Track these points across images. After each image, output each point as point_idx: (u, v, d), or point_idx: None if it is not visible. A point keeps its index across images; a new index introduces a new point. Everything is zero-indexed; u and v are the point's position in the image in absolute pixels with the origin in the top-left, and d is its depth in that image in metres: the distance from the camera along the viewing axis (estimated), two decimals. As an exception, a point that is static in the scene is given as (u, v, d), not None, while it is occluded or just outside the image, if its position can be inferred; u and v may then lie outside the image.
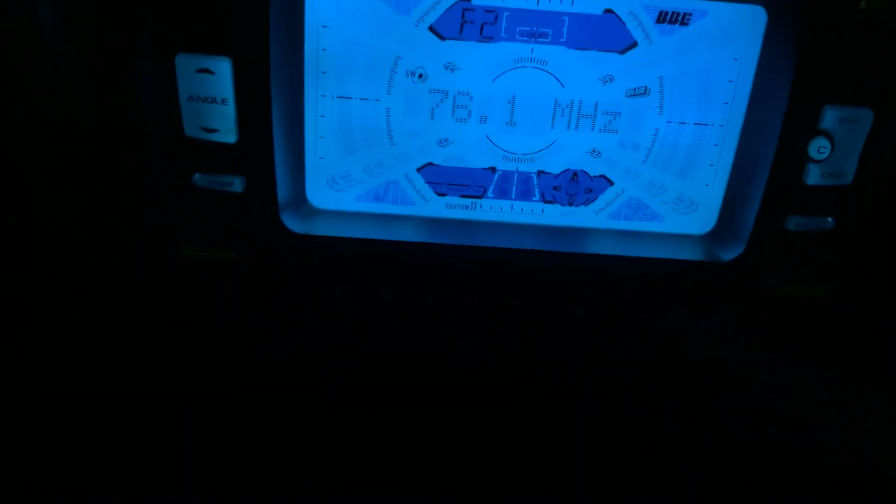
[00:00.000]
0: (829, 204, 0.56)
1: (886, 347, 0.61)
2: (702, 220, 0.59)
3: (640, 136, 0.56)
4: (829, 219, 0.56)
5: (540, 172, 0.57)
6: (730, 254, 0.58)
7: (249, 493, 0.54)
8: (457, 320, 0.62)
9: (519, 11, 0.52)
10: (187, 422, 0.57)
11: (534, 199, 0.58)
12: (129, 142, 0.55)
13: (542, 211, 0.59)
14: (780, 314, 0.60)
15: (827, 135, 0.53)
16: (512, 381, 0.61)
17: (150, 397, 0.58)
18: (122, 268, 0.60)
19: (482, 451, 0.57)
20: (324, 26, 0.53)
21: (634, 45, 0.54)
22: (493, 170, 0.57)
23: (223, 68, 0.51)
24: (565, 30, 0.53)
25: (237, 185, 0.54)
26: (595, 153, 0.57)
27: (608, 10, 0.53)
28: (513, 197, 0.58)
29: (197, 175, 0.54)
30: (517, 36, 0.53)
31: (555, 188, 0.58)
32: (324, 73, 0.54)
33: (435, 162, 0.57)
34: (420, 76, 0.54)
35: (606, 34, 0.53)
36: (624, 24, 0.53)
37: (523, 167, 0.57)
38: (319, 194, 0.58)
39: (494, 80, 0.54)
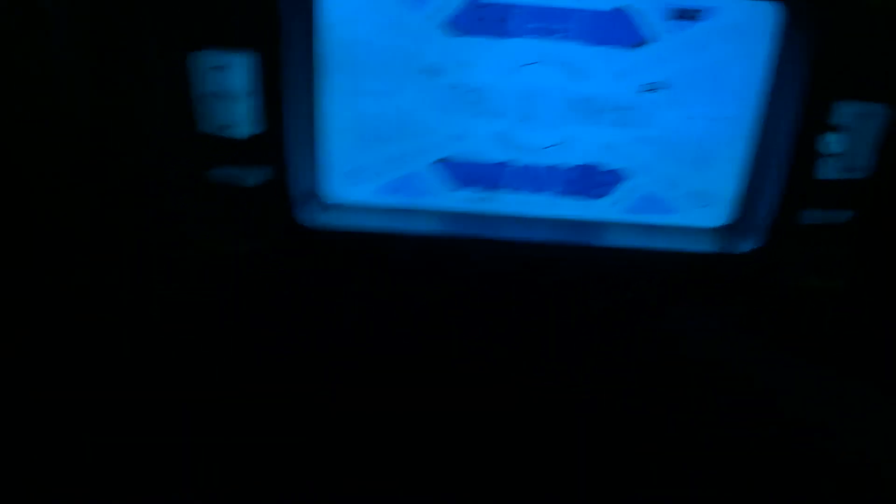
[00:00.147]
0: (844, 198, 0.56)
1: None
2: (717, 213, 0.59)
3: (653, 129, 0.56)
4: (844, 212, 0.56)
5: (554, 166, 0.58)
6: (745, 247, 0.58)
7: (249, 493, 0.55)
8: (457, 320, 0.62)
9: (532, 8, 0.53)
10: (187, 422, 0.57)
11: (548, 192, 0.59)
12: (132, 140, 0.56)
13: (557, 204, 0.59)
14: (794, 308, 0.60)
15: (841, 129, 0.53)
16: (512, 381, 0.61)
17: (150, 397, 0.58)
18: (122, 268, 0.60)
19: (482, 451, 0.57)
20: (338, 22, 0.53)
21: (646, 41, 0.54)
22: (508, 164, 0.58)
23: (238, 63, 0.52)
24: (576, 26, 0.53)
25: (252, 179, 0.55)
26: (609, 147, 0.57)
27: (618, 7, 0.53)
28: (528, 190, 0.59)
29: (212, 170, 0.55)
30: (530, 32, 0.54)
31: (569, 182, 0.59)
32: (339, 68, 0.55)
33: (450, 156, 0.58)
34: (435, 72, 0.55)
35: (617, 30, 0.53)
36: (634, 20, 0.53)
37: (538, 161, 0.58)
38: (335, 188, 0.59)
39: (508, 75, 0.55)
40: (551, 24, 0.53)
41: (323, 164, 0.57)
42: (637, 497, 0.57)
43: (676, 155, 0.57)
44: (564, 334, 0.62)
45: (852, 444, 0.59)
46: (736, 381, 0.62)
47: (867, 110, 0.52)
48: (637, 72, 0.55)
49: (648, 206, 0.59)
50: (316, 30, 0.53)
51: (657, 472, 0.58)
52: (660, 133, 0.56)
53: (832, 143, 0.54)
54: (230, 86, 0.52)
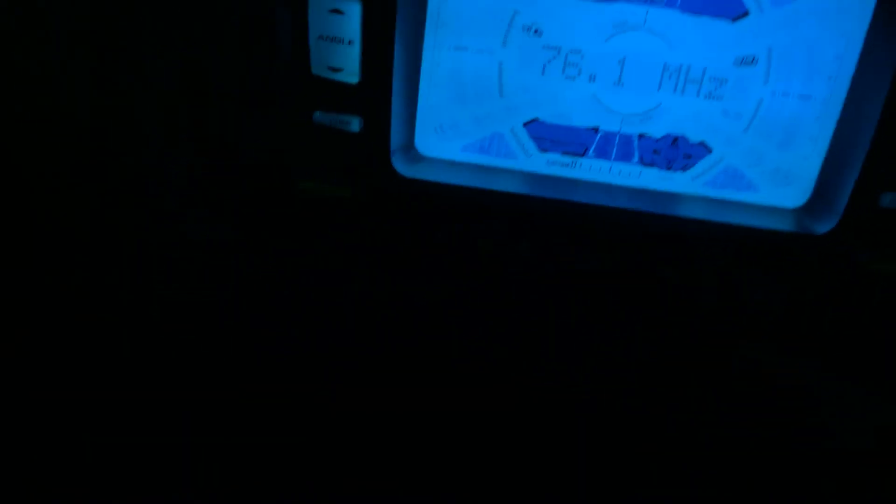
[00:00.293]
0: None
1: None
2: (797, 192, 0.60)
3: (743, 104, 0.57)
4: None
5: (642, 135, 0.59)
6: (822, 227, 0.59)
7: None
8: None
9: (638, -27, 0.54)
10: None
11: (633, 161, 0.60)
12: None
13: (640, 174, 0.61)
14: (865, 290, 0.61)
15: None
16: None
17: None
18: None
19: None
20: None
21: (746, 13, 0.55)
22: (597, 129, 0.59)
23: (353, 10, 0.53)
24: None
25: (354, 125, 0.57)
26: (697, 119, 0.58)
27: (724, -23, 0.54)
28: (612, 158, 0.60)
29: (318, 113, 0.57)
30: (634, -2, 0.55)
31: (655, 152, 0.60)
32: (444, 23, 0.56)
33: (541, 118, 0.59)
34: (535, 31, 0.56)
35: (721, 1, 0.55)
36: (741, -9, 0.54)
37: (626, 129, 0.59)
38: (428, 141, 0.60)
39: (607, 39, 0.56)
40: (656, -10, 0.55)
41: (419, 117, 0.59)
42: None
43: (764, 131, 0.58)
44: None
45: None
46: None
47: (956, 95, 0.53)
48: (734, 45, 0.56)
49: (730, 182, 0.60)
50: None
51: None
52: (750, 108, 0.57)
53: (917, 128, 0.54)
54: (345, 31, 0.53)
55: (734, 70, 0.56)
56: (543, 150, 0.60)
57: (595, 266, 0.62)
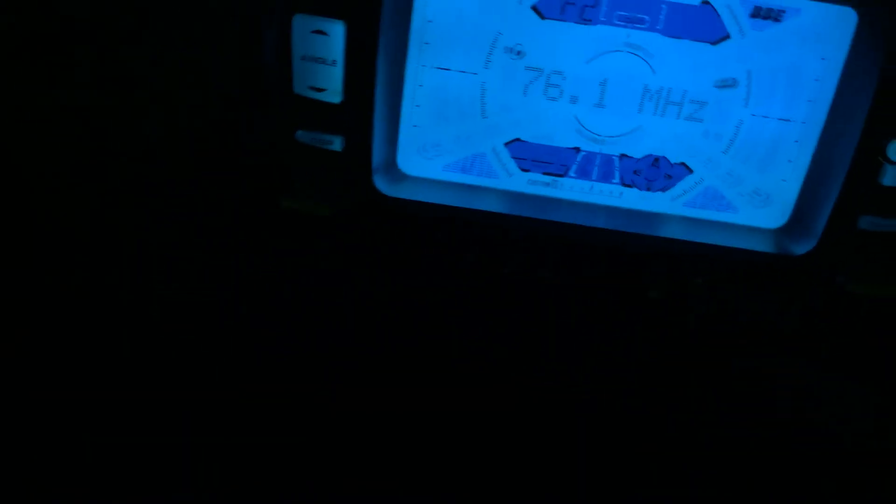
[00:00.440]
0: None
1: None
2: (776, 214, 0.61)
3: (723, 126, 0.58)
4: None
5: (622, 156, 0.60)
6: (801, 249, 0.60)
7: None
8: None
9: (621, -3, 0.55)
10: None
11: (614, 181, 0.60)
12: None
13: (621, 194, 0.61)
14: (845, 311, 0.62)
15: None
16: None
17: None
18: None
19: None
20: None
21: (727, 37, 0.55)
22: (578, 150, 0.60)
23: (336, 31, 0.53)
24: (662, 17, 0.55)
25: (337, 144, 0.57)
26: (678, 140, 0.59)
27: (706, 2, 0.55)
28: (594, 178, 0.61)
29: (300, 131, 0.57)
30: (615, 20, 0.55)
31: (635, 172, 0.60)
32: (427, 43, 0.56)
33: (523, 138, 0.59)
34: (518, 53, 0.56)
35: (701, 24, 0.55)
36: (720, 15, 0.55)
37: (607, 149, 0.59)
38: (410, 160, 0.60)
39: (589, 62, 0.56)
40: (637, 14, 0.55)
41: (401, 137, 0.59)
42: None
43: (744, 153, 0.58)
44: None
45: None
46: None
47: (934, 121, 0.54)
48: (715, 68, 0.56)
49: (710, 202, 0.61)
50: (412, 6, 0.55)
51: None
52: (730, 130, 0.58)
53: (895, 151, 0.55)
54: (328, 52, 0.54)
55: (714, 92, 0.57)
56: (525, 169, 0.61)
57: (576, 283, 0.62)
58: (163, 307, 0.62)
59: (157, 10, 0.54)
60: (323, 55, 0.54)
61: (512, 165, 0.61)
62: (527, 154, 0.60)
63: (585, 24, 0.56)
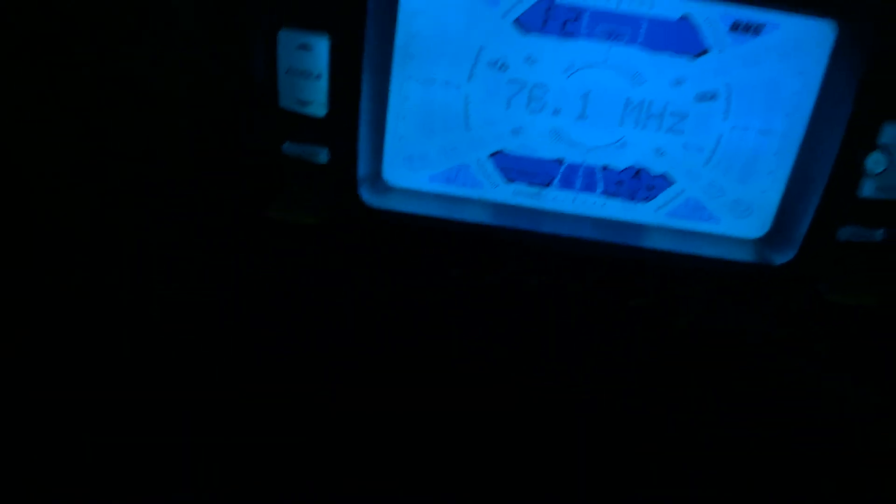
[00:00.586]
0: (882, 217, 0.58)
1: None
2: (756, 224, 0.62)
3: (704, 139, 0.59)
4: (881, 231, 0.58)
5: (605, 167, 0.60)
6: (781, 258, 0.60)
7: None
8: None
9: (600, 11, 0.55)
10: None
11: (597, 192, 0.61)
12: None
13: (604, 204, 0.62)
14: (826, 320, 0.62)
15: (885, 150, 0.55)
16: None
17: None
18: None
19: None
20: (416, 13, 0.56)
21: (707, 51, 0.56)
22: (561, 161, 0.60)
23: (321, 46, 0.54)
24: (642, 32, 0.56)
25: (322, 156, 0.58)
26: (659, 152, 0.59)
27: (685, 16, 0.55)
28: (577, 188, 0.61)
29: (287, 144, 0.57)
30: (596, 34, 0.56)
31: (618, 183, 0.61)
32: (412, 56, 0.57)
33: (506, 150, 0.60)
34: (501, 66, 0.57)
35: (681, 38, 0.56)
36: (699, 30, 0.56)
37: (589, 161, 0.60)
38: (395, 172, 0.61)
39: (570, 75, 0.57)
40: (618, 28, 0.56)
41: (387, 148, 0.60)
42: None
43: (724, 165, 0.59)
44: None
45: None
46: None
47: (912, 133, 0.55)
48: (695, 80, 0.57)
49: (691, 213, 0.61)
50: (396, 20, 0.56)
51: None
52: (710, 142, 0.58)
53: (873, 162, 0.56)
54: (313, 66, 0.54)
55: (695, 105, 0.58)
56: (509, 180, 0.61)
57: (563, 291, 0.63)
58: (163, 307, 0.62)
59: (153, 14, 0.54)
60: (308, 69, 0.55)
61: (496, 176, 0.61)
62: (511, 165, 0.61)
63: (567, 38, 0.56)
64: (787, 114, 0.58)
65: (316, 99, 0.55)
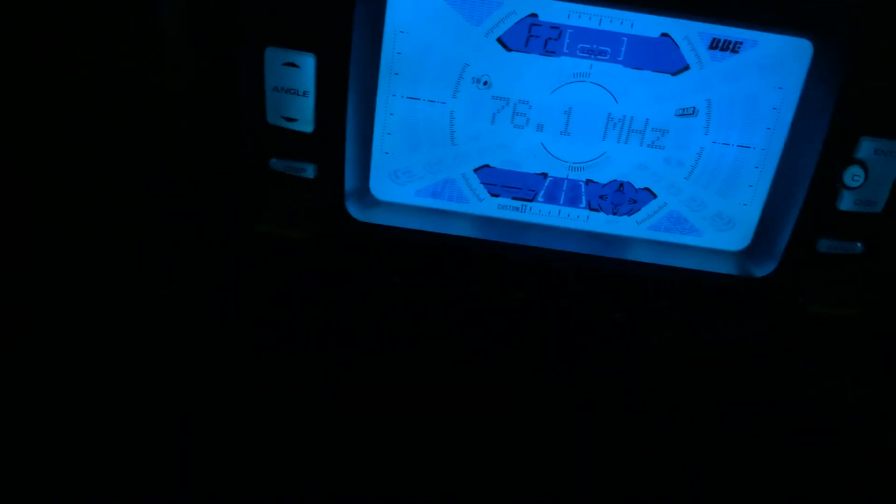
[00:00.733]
0: (860, 229, 0.59)
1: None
2: (738, 237, 0.63)
3: (685, 153, 0.60)
4: (859, 244, 0.59)
5: (588, 181, 0.61)
6: (762, 271, 0.61)
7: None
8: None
9: (582, 30, 0.56)
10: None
11: (581, 205, 0.62)
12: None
13: (588, 218, 0.63)
14: (809, 329, 0.63)
15: (862, 164, 0.56)
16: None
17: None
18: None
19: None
20: (401, 31, 0.57)
21: (687, 68, 0.57)
22: (545, 175, 0.61)
23: (308, 63, 0.55)
24: (623, 49, 0.57)
25: (309, 171, 0.59)
26: (641, 167, 0.60)
27: (665, 34, 0.56)
28: (561, 202, 0.62)
29: (274, 160, 0.58)
30: (578, 52, 0.57)
31: (601, 197, 0.62)
32: (397, 74, 0.58)
33: (491, 164, 0.61)
34: (485, 83, 0.58)
35: (661, 56, 0.57)
36: (678, 47, 0.57)
37: (573, 175, 0.61)
38: (382, 186, 0.62)
39: (553, 91, 0.58)
40: (599, 46, 0.57)
41: (373, 163, 0.61)
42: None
43: (705, 179, 0.60)
44: (567, 335, 0.64)
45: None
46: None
47: (888, 148, 0.56)
48: (675, 97, 0.58)
49: (674, 226, 0.62)
50: (382, 39, 0.57)
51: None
52: (692, 156, 0.60)
53: (851, 176, 0.57)
54: (300, 83, 0.55)
55: (676, 121, 0.59)
56: (494, 194, 0.62)
57: (536, 304, 0.64)
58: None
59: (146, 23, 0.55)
60: (294, 87, 0.56)
61: (482, 191, 0.62)
62: (496, 180, 0.62)
63: (549, 55, 0.57)
64: (767, 129, 0.59)
65: (303, 116, 0.56)
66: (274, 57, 0.55)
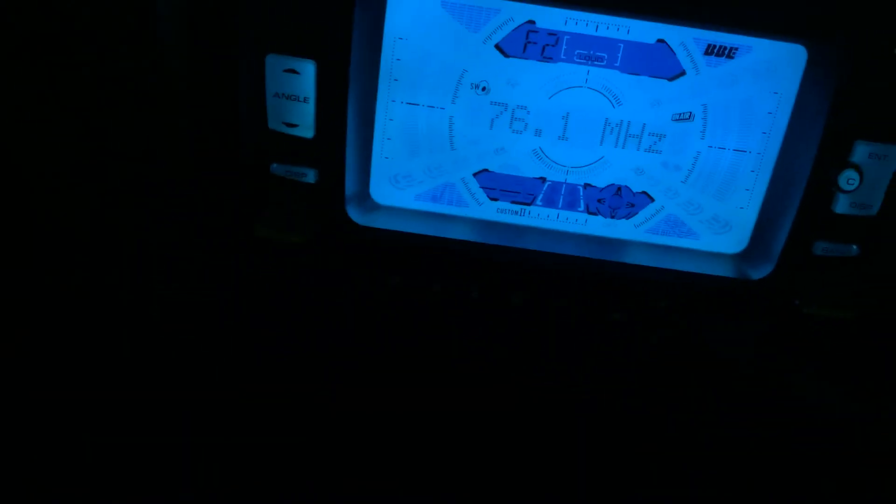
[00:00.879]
0: (855, 232, 0.59)
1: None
2: (734, 240, 0.63)
3: (682, 157, 0.60)
4: (854, 246, 0.60)
5: (586, 185, 0.62)
6: (759, 273, 0.62)
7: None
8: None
9: (579, 36, 0.57)
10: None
11: (579, 209, 0.63)
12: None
13: (586, 221, 0.63)
14: (805, 331, 0.64)
15: (857, 168, 0.57)
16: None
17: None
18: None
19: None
20: (400, 38, 0.58)
21: (683, 73, 0.58)
22: (544, 180, 0.62)
23: (308, 70, 0.56)
24: (620, 55, 0.57)
25: (310, 176, 0.59)
26: (639, 171, 0.61)
27: (661, 40, 0.57)
28: (559, 206, 0.63)
29: (275, 165, 0.59)
30: (575, 58, 0.58)
31: (599, 201, 0.62)
32: (396, 80, 0.59)
33: (490, 169, 0.62)
34: (483, 89, 0.59)
35: (658, 62, 0.58)
36: (675, 53, 0.57)
37: (571, 179, 0.62)
38: (382, 191, 0.63)
39: (551, 97, 0.59)
40: (596, 52, 0.57)
41: (373, 168, 0.61)
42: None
43: (702, 183, 0.61)
44: (566, 337, 0.65)
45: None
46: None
47: (882, 151, 0.56)
48: (672, 102, 0.59)
49: (671, 229, 0.63)
50: (381, 45, 0.57)
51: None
52: (688, 161, 0.60)
53: (846, 180, 0.57)
54: (300, 89, 0.56)
55: (672, 126, 0.59)
56: (493, 198, 0.63)
57: (535, 305, 0.64)
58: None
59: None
60: (295, 93, 0.57)
61: (481, 195, 0.63)
62: (495, 184, 0.63)
63: (547, 61, 0.58)
64: (763, 133, 0.59)
65: (303, 121, 0.57)
66: (275, 64, 0.56)
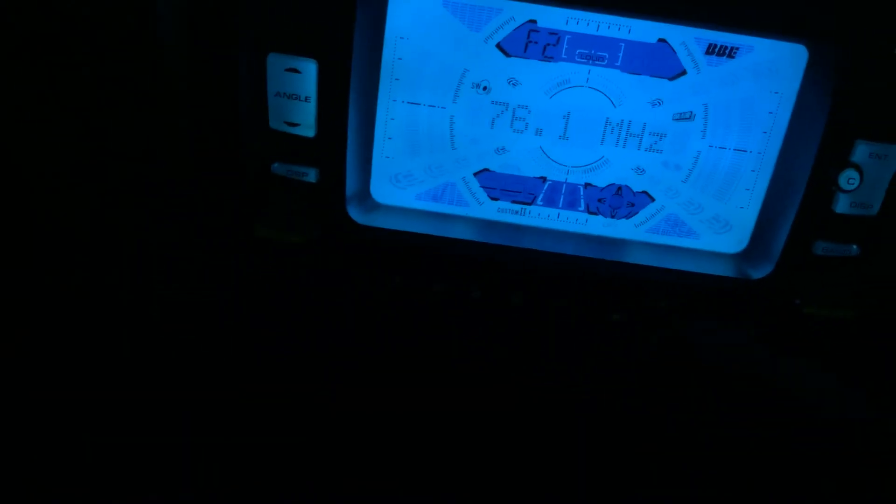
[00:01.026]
0: (855, 232, 0.60)
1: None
2: (735, 239, 0.63)
3: (682, 157, 0.60)
4: (855, 246, 0.60)
5: (587, 185, 0.62)
6: (759, 273, 0.62)
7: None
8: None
9: (579, 35, 0.57)
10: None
11: (579, 209, 0.63)
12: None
13: (586, 221, 0.63)
14: (805, 331, 0.64)
15: (857, 167, 0.57)
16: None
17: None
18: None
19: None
20: (401, 38, 0.58)
21: (684, 72, 0.58)
22: (544, 179, 0.62)
23: (309, 69, 0.56)
24: (621, 55, 0.58)
25: (311, 175, 0.59)
26: (639, 170, 0.61)
27: (661, 40, 0.57)
28: (560, 206, 0.63)
29: (276, 164, 0.59)
30: (576, 58, 0.58)
31: (599, 200, 0.63)
32: (397, 79, 0.59)
33: (491, 168, 0.62)
34: (484, 88, 0.59)
35: (658, 61, 0.58)
36: (675, 53, 0.57)
37: (572, 179, 0.62)
38: (383, 190, 0.63)
39: (552, 96, 0.59)
40: (597, 51, 0.58)
41: (374, 168, 0.61)
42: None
43: (702, 182, 0.61)
44: (566, 337, 0.65)
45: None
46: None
47: (882, 151, 0.57)
48: (672, 101, 0.59)
49: (671, 229, 0.63)
50: (382, 45, 0.57)
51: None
52: (689, 160, 0.60)
53: (846, 179, 0.57)
54: (302, 89, 0.56)
55: (673, 125, 0.59)
56: (494, 198, 0.63)
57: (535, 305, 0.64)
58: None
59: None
60: (296, 92, 0.57)
61: (481, 194, 0.63)
62: (495, 183, 0.63)
63: (548, 61, 0.58)
64: (763, 133, 0.59)
65: (305, 121, 0.57)
66: (276, 63, 0.56)
